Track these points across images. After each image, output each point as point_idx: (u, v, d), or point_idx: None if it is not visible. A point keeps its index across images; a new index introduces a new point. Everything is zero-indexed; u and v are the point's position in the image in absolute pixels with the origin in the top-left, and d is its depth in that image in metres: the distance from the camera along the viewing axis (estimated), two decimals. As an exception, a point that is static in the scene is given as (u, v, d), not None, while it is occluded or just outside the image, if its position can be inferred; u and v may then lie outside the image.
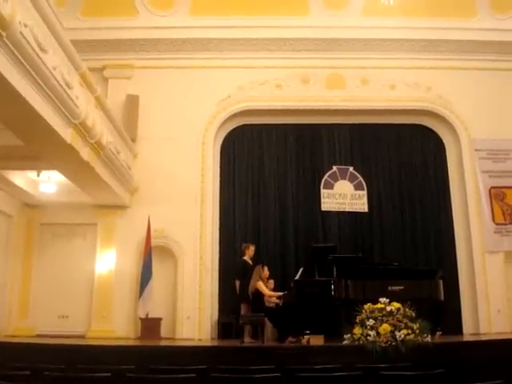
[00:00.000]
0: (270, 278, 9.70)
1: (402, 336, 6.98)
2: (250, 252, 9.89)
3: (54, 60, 6.15)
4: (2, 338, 9.20)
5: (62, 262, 10.64)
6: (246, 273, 9.52)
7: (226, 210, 11.20)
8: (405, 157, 11.65)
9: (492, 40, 11.33)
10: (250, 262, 9.80)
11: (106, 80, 11.22)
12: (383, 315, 7.25)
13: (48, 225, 10.85)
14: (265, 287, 9.24)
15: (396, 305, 7.36)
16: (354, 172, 11.39)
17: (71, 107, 6.90)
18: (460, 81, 11.37)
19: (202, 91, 11.23)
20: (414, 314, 7.31)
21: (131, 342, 9.25)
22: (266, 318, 8.69)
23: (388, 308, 7.30)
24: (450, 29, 11.26)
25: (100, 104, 8.33)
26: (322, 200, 11.16)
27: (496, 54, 11.42)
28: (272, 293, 9.34)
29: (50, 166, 8.58)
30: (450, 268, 10.75)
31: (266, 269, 9.53)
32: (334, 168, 11.40)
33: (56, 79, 6.26)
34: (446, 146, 11.64)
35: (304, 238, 11.09)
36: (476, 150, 11.17)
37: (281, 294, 9.17)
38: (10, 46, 5.22)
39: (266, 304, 9.18)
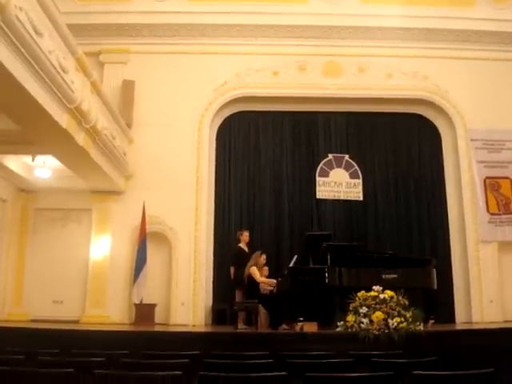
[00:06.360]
0: (265, 264, 9.73)
1: (395, 324, 7.04)
2: (244, 238, 9.93)
3: (49, 44, 6.09)
4: (-4, 322, 9.22)
5: (57, 247, 10.63)
6: (240, 259, 9.56)
7: (221, 196, 11.19)
8: (401, 146, 11.63)
9: (490, 30, 11.28)
10: (246, 249, 9.85)
11: (101, 65, 11.13)
12: (376, 303, 7.31)
13: (43, 210, 10.82)
14: (258, 273, 9.22)
15: (389, 293, 7.41)
16: (350, 160, 11.39)
17: (67, 92, 6.85)
18: (457, 70, 11.34)
19: (198, 77, 11.17)
20: (407, 303, 7.38)
21: (125, 328, 9.25)
22: (260, 305, 8.73)
23: (381, 296, 7.35)
24: (448, 18, 11.21)
25: (96, 89, 8.27)
26: (318, 188, 11.16)
27: (494, 44, 11.38)
28: (264, 279, 9.31)
29: (45, 151, 8.55)
30: (444, 257, 10.80)
31: (263, 256, 9.51)
32: (330, 156, 11.39)
33: (52, 63, 6.21)
34: (442, 136, 11.62)
35: (299, 225, 11.10)
36: (472, 140, 11.15)
37: (273, 280, 9.21)
38: (6, 30, 5.17)
39: (261, 291, 9.20)
